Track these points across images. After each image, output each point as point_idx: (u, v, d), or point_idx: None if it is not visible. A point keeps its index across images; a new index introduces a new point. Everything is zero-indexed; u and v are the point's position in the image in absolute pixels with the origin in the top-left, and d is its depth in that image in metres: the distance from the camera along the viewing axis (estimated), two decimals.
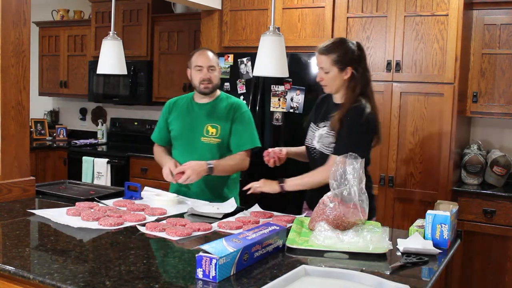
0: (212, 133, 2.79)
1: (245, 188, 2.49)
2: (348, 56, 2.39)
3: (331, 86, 2.44)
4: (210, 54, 2.81)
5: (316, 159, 2.48)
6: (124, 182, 2.78)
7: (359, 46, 2.44)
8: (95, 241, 1.98)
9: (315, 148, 2.49)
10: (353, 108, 2.37)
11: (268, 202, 2.78)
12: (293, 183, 2.43)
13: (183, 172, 2.60)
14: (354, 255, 1.86)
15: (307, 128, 2.60)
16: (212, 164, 2.66)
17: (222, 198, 2.76)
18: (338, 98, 2.48)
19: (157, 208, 2.43)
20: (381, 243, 1.91)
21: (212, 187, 2.80)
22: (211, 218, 2.35)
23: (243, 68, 4.09)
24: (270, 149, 2.63)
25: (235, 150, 2.81)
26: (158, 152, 2.95)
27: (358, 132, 2.36)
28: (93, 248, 1.92)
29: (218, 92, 2.89)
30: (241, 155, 2.80)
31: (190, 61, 2.83)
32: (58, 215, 2.26)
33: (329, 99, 2.55)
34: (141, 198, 2.66)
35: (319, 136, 2.47)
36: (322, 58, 2.41)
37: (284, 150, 2.62)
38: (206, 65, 2.75)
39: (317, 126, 2.51)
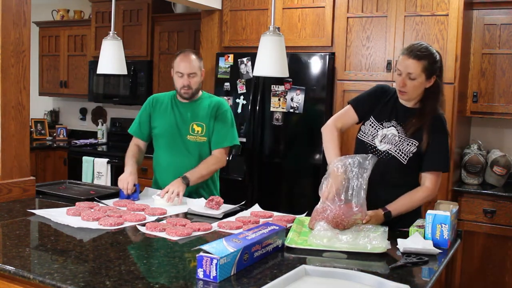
0: (198, 131, 2.81)
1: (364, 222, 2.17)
2: (436, 64, 2.29)
3: (411, 93, 2.30)
4: (193, 58, 2.77)
5: (382, 161, 2.31)
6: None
7: (440, 55, 2.34)
8: (95, 241, 1.98)
9: (376, 147, 2.35)
10: (440, 118, 2.34)
11: (268, 202, 2.77)
12: (397, 210, 2.25)
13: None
14: (353, 255, 1.86)
15: (361, 114, 2.43)
16: (187, 176, 2.68)
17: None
18: (410, 103, 2.37)
19: (157, 208, 2.43)
20: (380, 243, 1.91)
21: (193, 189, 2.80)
22: (211, 218, 2.35)
23: (243, 68, 4.09)
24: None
25: (214, 147, 2.84)
26: (129, 153, 2.87)
27: (448, 143, 2.36)
28: (93, 248, 1.92)
29: (201, 92, 2.90)
30: (217, 154, 2.82)
31: (173, 63, 2.82)
32: (58, 215, 2.26)
33: (393, 97, 2.41)
34: (138, 199, 2.65)
35: (383, 136, 2.35)
36: (412, 63, 2.24)
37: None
38: (186, 72, 2.75)
39: (380, 123, 2.38)
